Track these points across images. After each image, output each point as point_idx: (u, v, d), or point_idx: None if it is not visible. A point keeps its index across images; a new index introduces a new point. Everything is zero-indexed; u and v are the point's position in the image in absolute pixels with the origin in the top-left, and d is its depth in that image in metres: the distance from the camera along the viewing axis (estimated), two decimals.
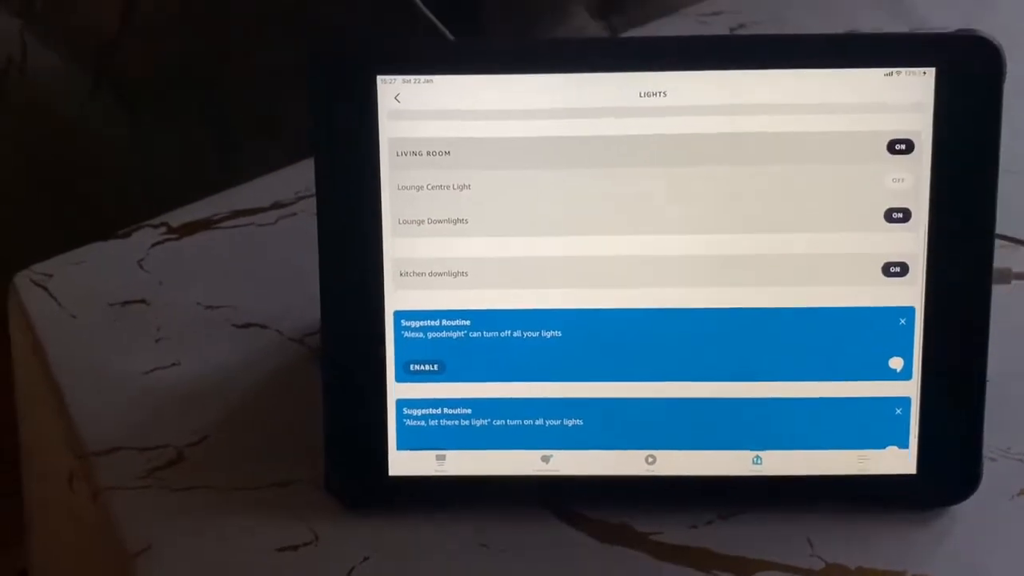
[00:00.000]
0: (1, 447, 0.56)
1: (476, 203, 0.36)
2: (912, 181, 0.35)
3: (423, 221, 0.36)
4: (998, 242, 0.37)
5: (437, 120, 0.35)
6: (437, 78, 0.36)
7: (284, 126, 0.89)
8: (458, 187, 0.36)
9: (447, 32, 0.49)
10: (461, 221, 0.36)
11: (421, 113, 0.36)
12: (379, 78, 0.35)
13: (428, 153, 0.36)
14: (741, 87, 0.35)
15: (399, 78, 0.35)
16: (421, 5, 0.49)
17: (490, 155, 0.36)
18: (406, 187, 0.36)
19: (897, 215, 0.36)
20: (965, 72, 0.35)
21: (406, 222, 0.36)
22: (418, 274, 0.36)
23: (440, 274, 0.36)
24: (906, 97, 0.35)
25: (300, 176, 0.52)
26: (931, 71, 0.35)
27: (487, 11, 0.74)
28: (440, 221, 0.36)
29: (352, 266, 0.36)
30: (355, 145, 0.36)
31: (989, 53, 0.35)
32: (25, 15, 0.81)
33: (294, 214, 0.50)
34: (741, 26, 0.63)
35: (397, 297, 0.36)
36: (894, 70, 0.35)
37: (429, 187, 0.36)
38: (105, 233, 0.50)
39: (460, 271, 0.36)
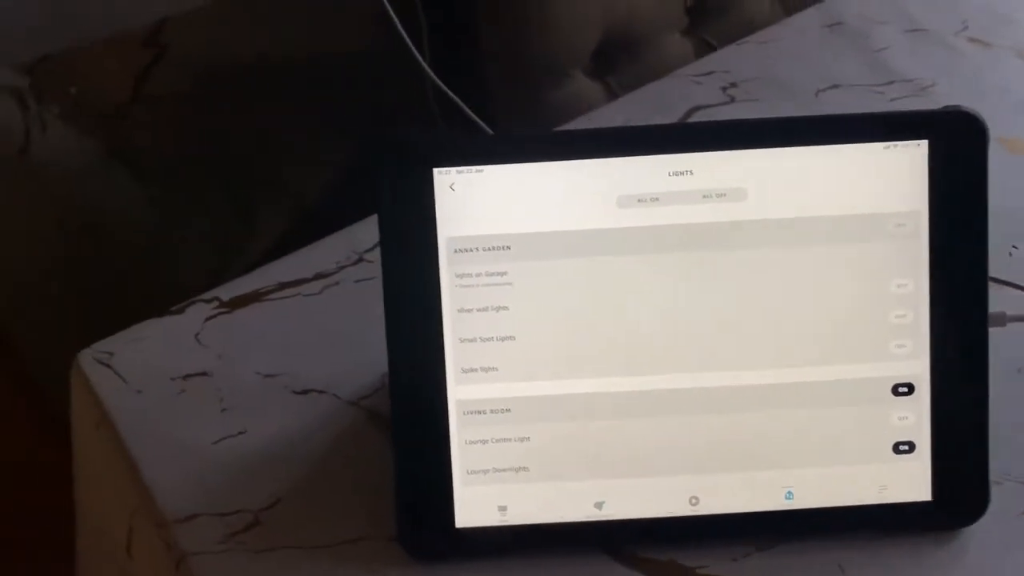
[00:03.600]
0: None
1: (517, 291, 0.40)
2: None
3: (474, 309, 0.40)
4: None
5: (490, 212, 0.40)
6: (487, 168, 0.40)
7: (292, 189, 0.93)
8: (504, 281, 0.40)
9: (486, 127, 0.54)
10: (504, 308, 0.40)
11: (473, 199, 0.40)
12: (435, 170, 0.39)
13: (483, 249, 0.40)
14: (761, 162, 0.40)
15: (453, 169, 0.40)
16: (459, 102, 0.53)
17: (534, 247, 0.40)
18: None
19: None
20: (955, 143, 0.40)
21: (464, 311, 0.40)
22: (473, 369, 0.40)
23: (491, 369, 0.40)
24: (903, 167, 0.40)
25: (338, 246, 0.56)
26: (924, 143, 0.40)
27: (491, 77, 0.79)
28: (488, 309, 0.40)
29: (415, 340, 0.40)
30: (415, 234, 0.40)
31: (975, 126, 0.39)
32: (38, 91, 0.84)
33: (337, 283, 0.54)
34: (733, 85, 0.68)
35: (458, 389, 0.40)
36: (891, 144, 0.40)
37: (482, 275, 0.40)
38: (160, 309, 0.53)
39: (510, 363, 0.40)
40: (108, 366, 0.50)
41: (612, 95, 0.80)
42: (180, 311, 0.53)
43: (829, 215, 0.40)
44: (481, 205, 0.40)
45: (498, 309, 0.40)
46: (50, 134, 0.85)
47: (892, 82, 0.68)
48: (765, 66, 0.69)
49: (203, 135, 0.88)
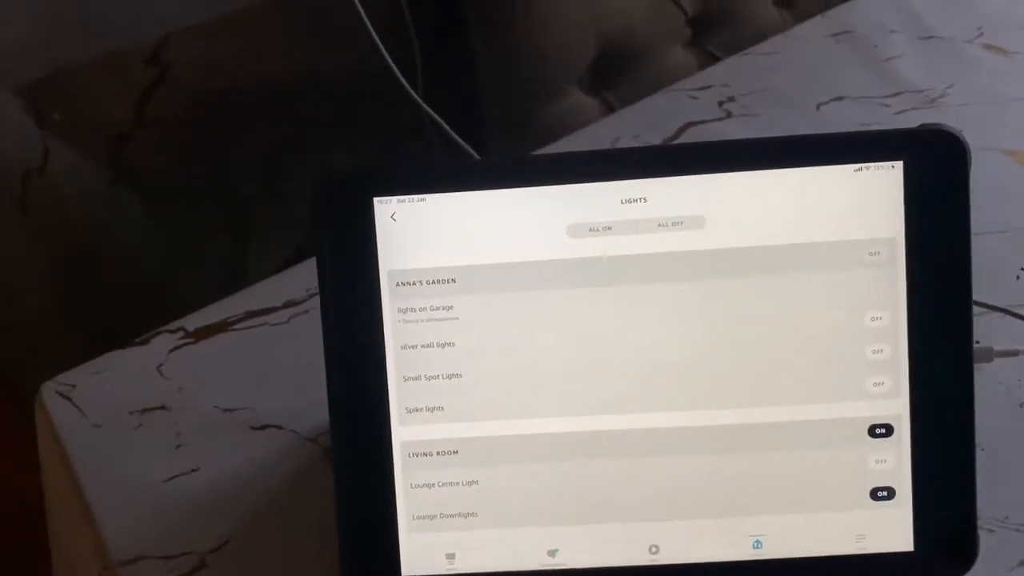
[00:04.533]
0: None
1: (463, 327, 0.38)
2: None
3: (419, 345, 0.38)
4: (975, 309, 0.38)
5: (434, 243, 0.37)
6: (429, 196, 0.38)
7: (290, 203, 0.92)
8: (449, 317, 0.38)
9: (472, 151, 0.52)
10: (450, 345, 0.38)
11: (415, 230, 0.38)
12: (376, 199, 0.38)
13: (427, 282, 0.38)
14: (719, 188, 0.37)
15: (394, 198, 0.38)
16: (443, 124, 0.51)
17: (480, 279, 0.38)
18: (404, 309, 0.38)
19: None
20: (932, 165, 0.36)
21: (408, 347, 0.38)
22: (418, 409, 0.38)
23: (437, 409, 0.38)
24: (877, 190, 0.37)
25: (309, 273, 0.54)
26: (899, 165, 0.37)
27: (486, 92, 0.77)
28: (433, 345, 0.38)
29: (356, 378, 0.38)
30: (356, 267, 0.38)
31: (954, 146, 0.36)
32: (43, 116, 0.84)
33: (306, 311, 0.52)
34: (730, 99, 0.65)
35: (403, 430, 0.38)
36: (863, 165, 0.37)
37: (425, 309, 0.38)
38: (124, 340, 0.52)
39: (457, 402, 0.38)
40: (68, 398, 0.49)
41: (610, 110, 0.78)
42: (145, 342, 0.52)
43: (795, 243, 0.37)
44: (424, 236, 0.38)
45: (443, 345, 0.38)
46: (52, 155, 0.85)
47: (900, 93, 0.64)
48: (766, 79, 0.66)
49: (204, 155, 0.88)
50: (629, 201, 0.37)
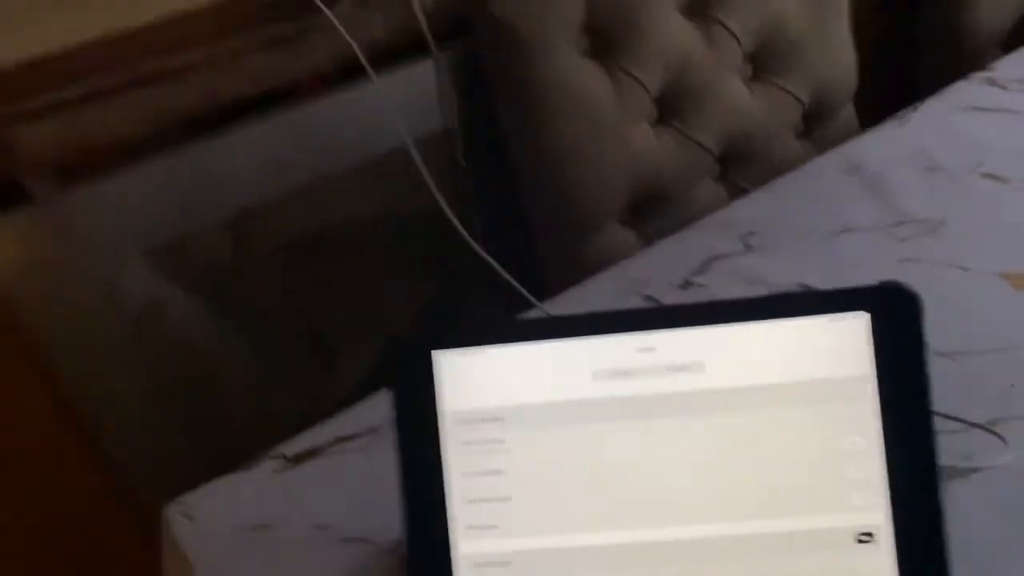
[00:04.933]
0: None
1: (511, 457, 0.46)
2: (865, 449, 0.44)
3: (475, 473, 0.46)
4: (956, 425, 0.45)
5: (484, 386, 0.46)
6: (479, 348, 0.47)
7: (367, 329, 1.02)
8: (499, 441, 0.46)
9: (533, 299, 0.61)
10: (501, 472, 0.46)
11: (468, 376, 0.47)
12: (434, 352, 0.47)
13: (480, 420, 0.46)
14: (716, 338, 0.45)
15: (450, 351, 0.47)
16: (506, 275, 0.61)
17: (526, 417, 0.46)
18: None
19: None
20: (892, 315, 0.44)
21: (466, 474, 0.46)
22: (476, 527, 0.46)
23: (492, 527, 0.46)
24: (848, 336, 0.44)
25: (382, 404, 0.64)
26: (865, 315, 0.44)
27: (536, 231, 0.87)
28: (487, 472, 0.46)
29: (425, 502, 0.47)
30: (422, 408, 0.47)
31: (910, 300, 0.44)
32: (154, 257, 0.97)
33: (382, 436, 0.62)
34: (751, 233, 0.73)
35: (464, 544, 0.47)
36: (835, 316, 0.45)
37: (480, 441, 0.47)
38: (233, 463, 0.62)
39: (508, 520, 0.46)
40: (190, 517, 0.59)
41: (647, 240, 0.87)
42: (251, 467, 0.62)
43: (781, 382, 0.45)
44: (476, 381, 0.47)
45: (496, 473, 0.47)
46: (169, 294, 0.98)
47: (903, 223, 0.72)
48: (782, 212, 0.75)
49: (292, 291, 0.99)
50: (642, 350, 0.46)
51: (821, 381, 0.45)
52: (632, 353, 0.46)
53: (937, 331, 0.60)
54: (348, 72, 0.85)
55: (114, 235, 0.89)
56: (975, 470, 0.50)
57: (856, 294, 0.45)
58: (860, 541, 0.44)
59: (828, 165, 0.80)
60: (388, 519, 0.56)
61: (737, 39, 0.87)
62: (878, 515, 0.44)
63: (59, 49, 0.76)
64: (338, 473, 0.60)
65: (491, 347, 0.47)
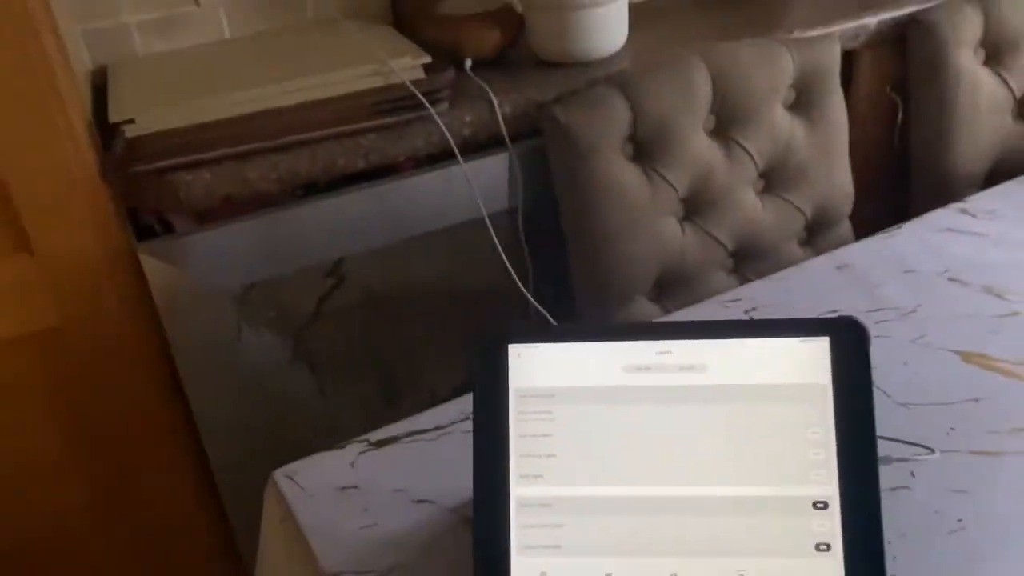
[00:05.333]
0: None
1: (558, 424, 0.62)
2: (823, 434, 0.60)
3: (529, 435, 0.62)
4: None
5: (542, 371, 0.63)
6: (541, 344, 0.63)
7: (427, 386, 1.18)
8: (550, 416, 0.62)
9: (550, 318, 0.78)
10: (549, 436, 0.62)
11: (531, 363, 0.63)
12: (510, 345, 0.63)
13: (536, 396, 0.62)
14: (716, 347, 0.62)
15: (520, 345, 0.63)
16: (536, 304, 0.78)
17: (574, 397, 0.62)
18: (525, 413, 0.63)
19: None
20: (846, 340, 0.60)
21: (523, 436, 0.62)
22: (527, 476, 0.62)
23: (539, 476, 0.62)
24: (814, 353, 0.61)
25: (452, 409, 0.80)
26: (826, 339, 0.61)
27: (579, 301, 1.04)
28: (538, 435, 0.62)
29: (492, 455, 0.62)
30: (497, 386, 0.63)
31: (859, 329, 0.60)
32: (242, 303, 1.14)
33: (449, 433, 0.77)
34: (753, 308, 0.90)
35: (517, 489, 0.62)
36: (804, 338, 0.61)
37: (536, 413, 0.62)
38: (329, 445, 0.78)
39: (552, 473, 0.62)
40: (292, 479, 0.74)
41: (666, 314, 1.03)
42: (343, 446, 0.77)
43: (763, 384, 0.61)
44: (537, 366, 0.63)
45: (545, 436, 0.62)
46: (254, 340, 1.15)
47: (880, 309, 0.88)
48: (781, 296, 0.91)
49: (365, 342, 1.16)
50: (661, 352, 0.62)
51: (792, 385, 0.61)
52: (653, 354, 0.62)
53: (897, 388, 0.76)
54: (439, 157, 1.05)
55: (223, 272, 1.06)
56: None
57: (821, 323, 0.62)
58: (816, 507, 0.59)
59: (822, 263, 0.97)
60: (451, 487, 0.71)
61: (753, 158, 1.06)
62: (830, 488, 0.59)
63: (220, 118, 0.96)
64: (411, 456, 0.76)
65: (549, 344, 0.63)
